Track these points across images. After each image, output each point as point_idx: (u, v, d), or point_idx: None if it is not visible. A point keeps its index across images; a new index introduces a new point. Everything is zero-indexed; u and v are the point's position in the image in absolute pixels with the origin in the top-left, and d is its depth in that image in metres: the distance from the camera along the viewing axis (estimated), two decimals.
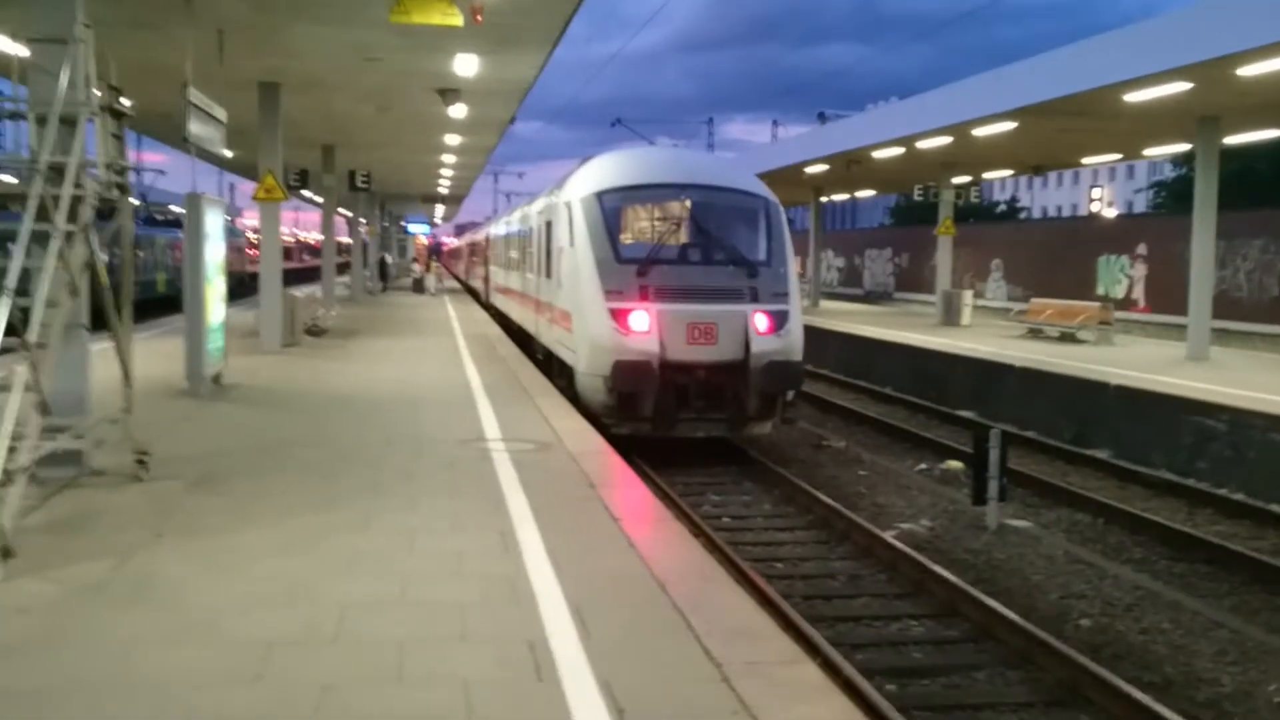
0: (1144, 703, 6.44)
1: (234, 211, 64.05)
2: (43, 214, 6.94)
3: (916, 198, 33.21)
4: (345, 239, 53.17)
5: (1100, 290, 30.01)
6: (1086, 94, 17.30)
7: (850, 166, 29.36)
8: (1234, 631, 8.20)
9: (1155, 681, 7.19)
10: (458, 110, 19.25)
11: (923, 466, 14.46)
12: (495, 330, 23.63)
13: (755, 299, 13.58)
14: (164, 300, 30.28)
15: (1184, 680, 7.28)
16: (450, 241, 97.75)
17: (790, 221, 15.39)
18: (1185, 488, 12.99)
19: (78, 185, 7.38)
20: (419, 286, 42.70)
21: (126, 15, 12.95)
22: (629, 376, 12.94)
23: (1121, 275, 29.90)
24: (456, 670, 4.60)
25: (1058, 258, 32.81)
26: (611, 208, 14.09)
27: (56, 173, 7.22)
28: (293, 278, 39.24)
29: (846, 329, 26.67)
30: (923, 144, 24.24)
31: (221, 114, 13.70)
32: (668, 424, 13.18)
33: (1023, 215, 71.70)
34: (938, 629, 8.17)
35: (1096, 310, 23.77)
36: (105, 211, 8.40)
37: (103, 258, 8.15)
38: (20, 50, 8.49)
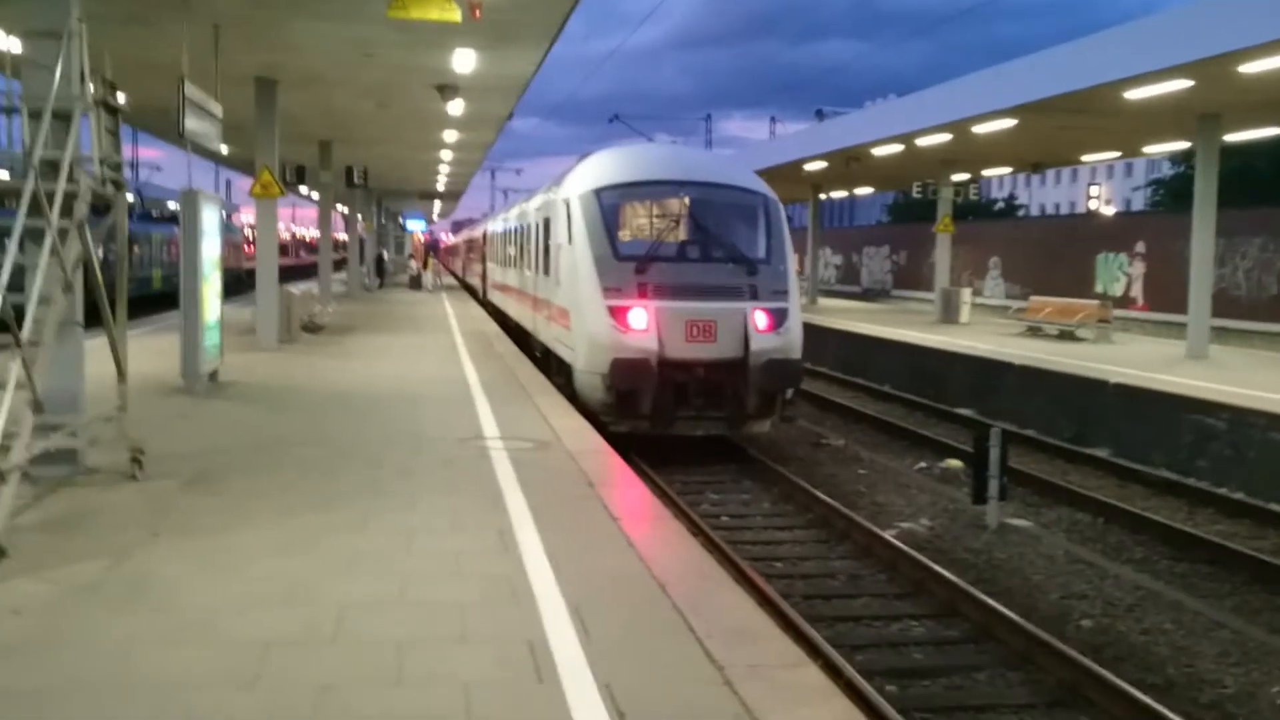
0: (1147, 704, 6.40)
1: (230, 207, 63.92)
2: (36, 210, 6.87)
3: (915, 195, 33.15)
4: (342, 235, 53.18)
5: (1099, 288, 29.98)
6: (1087, 91, 17.25)
7: (849, 163, 29.29)
8: (1236, 632, 8.16)
9: (1157, 683, 7.15)
10: (455, 106, 19.20)
11: (922, 465, 14.42)
12: (493, 327, 23.58)
13: (754, 297, 13.52)
14: (160, 297, 30.21)
15: (1186, 682, 7.24)
16: (447, 238, 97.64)
17: (788, 219, 15.32)
18: (1185, 487, 12.96)
19: (72, 181, 7.32)
20: (416, 283, 42.64)
21: (122, 10, 12.88)
22: (627, 374, 12.88)
23: (1120, 273, 29.88)
24: (456, 671, 4.55)
25: (1056, 255, 32.78)
26: (610, 205, 14.03)
27: (51, 168, 7.16)
28: (289, 274, 39.29)
29: (845, 326, 26.64)
30: (922, 141, 24.19)
31: (217, 109, 13.65)
32: (666, 422, 13.13)
33: (1021, 213, 71.67)
34: (938, 629, 8.13)
35: (1096, 308, 23.74)
36: (100, 207, 8.33)
37: (98, 254, 8.09)
38: (14, 45, 8.41)
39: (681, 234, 14.12)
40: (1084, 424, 15.92)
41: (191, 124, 12.41)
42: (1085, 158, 31.64)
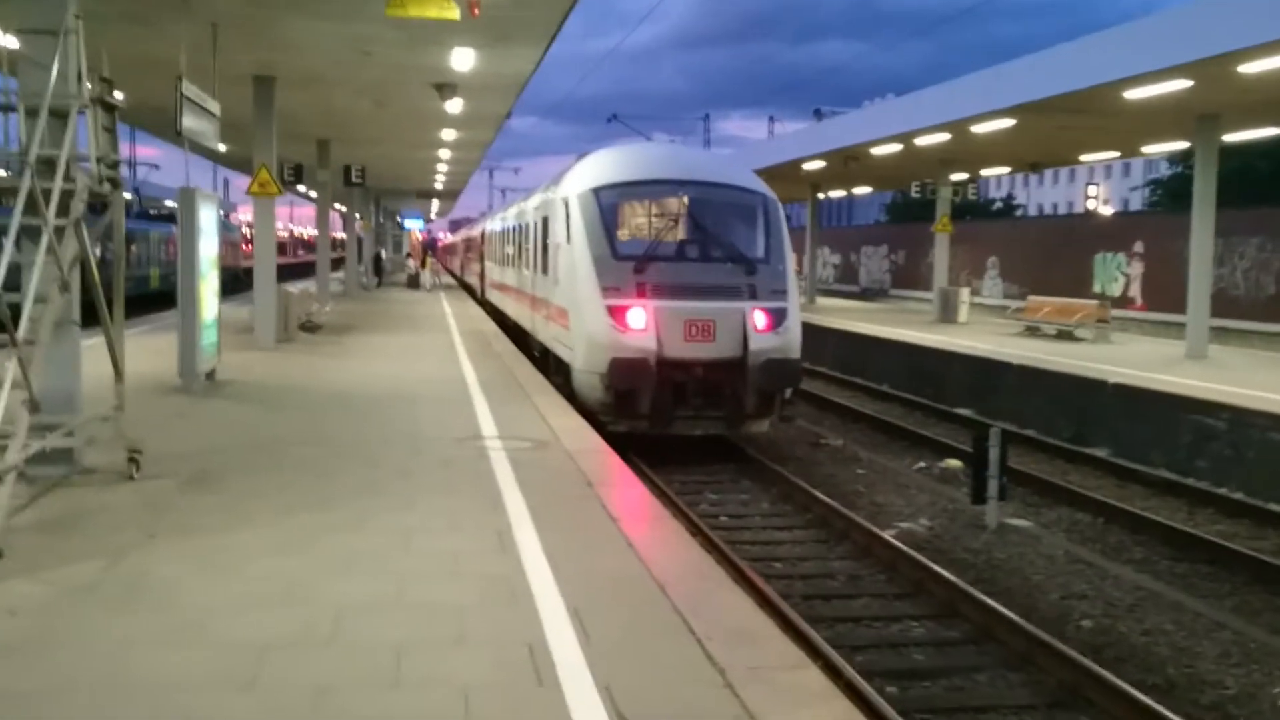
0: (1148, 705, 6.38)
1: (228, 206, 63.86)
2: (33, 208, 6.83)
3: (914, 195, 33.10)
4: (340, 234, 53.13)
5: (1097, 288, 29.97)
6: (1086, 91, 17.23)
7: (848, 163, 29.27)
8: (1237, 633, 8.14)
9: (1158, 684, 7.13)
10: (454, 105, 19.15)
11: (921, 465, 14.40)
12: (491, 326, 23.55)
13: (753, 296, 13.49)
14: (158, 295, 30.17)
15: (1187, 683, 7.22)
16: (445, 237, 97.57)
17: (787, 218, 15.29)
18: (1185, 487, 12.94)
19: (69, 179, 7.29)
20: (414, 282, 42.58)
21: (120, 8, 12.83)
22: (626, 374, 12.86)
23: (1118, 273, 29.87)
24: (455, 674, 4.52)
25: (1054, 255, 32.76)
26: (609, 204, 14.00)
27: (47, 166, 7.13)
28: (287, 273, 39.25)
29: (843, 326, 26.61)
30: (921, 141, 24.17)
31: (215, 108, 13.60)
32: (665, 422, 13.10)
33: (1018, 213, 71.66)
34: (938, 630, 8.10)
35: (1094, 308, 23.73)
36: (97, 206, 8.29)
37: (95, 253, 8.05)
38: (10, 42, 8.37)
39: (680, 233, 14.09)
40: (1083, 424, 15.91)
41: (189, 122, 12.37)
42: (1084, 158, 31.65)
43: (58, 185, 7.07)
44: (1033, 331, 24.58)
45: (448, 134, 25.56)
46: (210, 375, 13.14)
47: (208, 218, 12.89)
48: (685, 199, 14.08)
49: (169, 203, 41.22)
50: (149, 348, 15.20)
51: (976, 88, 21.05)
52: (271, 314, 17.89)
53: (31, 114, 7.23)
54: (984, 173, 34.77)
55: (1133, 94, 16.80)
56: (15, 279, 6.71)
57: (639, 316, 13.07)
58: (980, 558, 10.03)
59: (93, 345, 8.54)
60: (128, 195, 13.13)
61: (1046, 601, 8.84)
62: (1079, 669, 6.96)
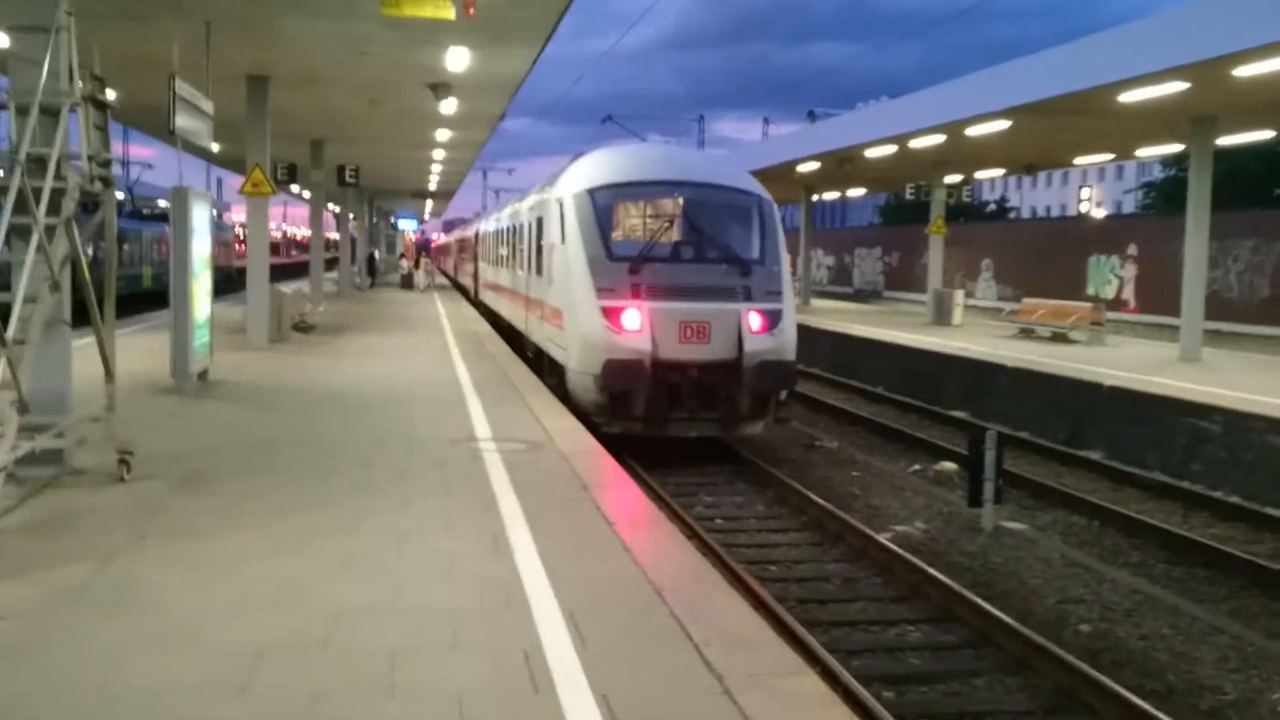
0: (1148, 711, 6.34)
1: (222, 206, 63.67)
2: (23, 207, 6.76)
3: (909, 196, 33.13)
4: (334, 235, 53.01)
5: (1090, 290, 30.01)
6: (1082, 93, 17.22)
7: (843, 164, 29.26)
8: (1234, 637, 8.10)
9: (1157, 689, 7.09)
10: (449, 105, 19.08)
11: (916, 467, 14.36)
12: (485, 327, 23.49)
13: (748, 298, 13.44)
14: (150, 295, 30.06)
15: (1186, 688, 7.18)
16: (439, 237, 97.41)
17: (781, 220, 15.24)
18: (1180, 490, 12.92)
19: (59, 177, 7.21)
20: (407, 282, 42.49)
21: (113, 5, 12.76)
22: (620, 375, 12.80)
23: (1112, 276, 29.91)
24: (449, 680, 4.46)
25: (1048, 258, 32.82)
26: (604, 205, 13.94)
27: (38, 164, 7.06)
28: (280, 273, 39.13)
29: (837, 328, 26.58)
30: (916, 143, 24.15)
31: (209, 107, 13.52)
32: (659, 423, 13.05)
33: (1012, 215, 71.76)
34: (935, 634, 8.05)
35: (1089, 311, 23.74)
36: (89, 205, 8.22)
37: (87, 252, 7.98)
38: (1, 39, 8.30)
39: (675, 234, 14.04)
40: (1077, 427, 15.88)
41: (182, 121, 12.29)
42: (1078, 160, 31.68)
43: (48, 183, 7.00)
44: (1027, 334, 24.58)
45: (442, 134, 25.49)
46: (203, 375, 13.06)
47: (201, 217, 12.81)
48: (680, 200, 14.03)
49: (162, 202, 41.10)
50: (141, 347, 15.12)
51: (972, 89, 21.04)
52: (264, 314, 17.81)
53: (22, 112, 7.17)
54: (978, 175, 34.81)
55: (1129, 96, 16.79)
56: (5, 278, 6.65)
57: (634, 318, 13.02)
58: (977, 561, 9.99)
59: (83, 345, 8.47)
60: (120, 194, 13.05)
61: (1043, 605, 8.80)
62: (1077, 674, 6.92)
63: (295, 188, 33.75)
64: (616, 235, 14.09)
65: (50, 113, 7.28)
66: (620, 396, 12.89)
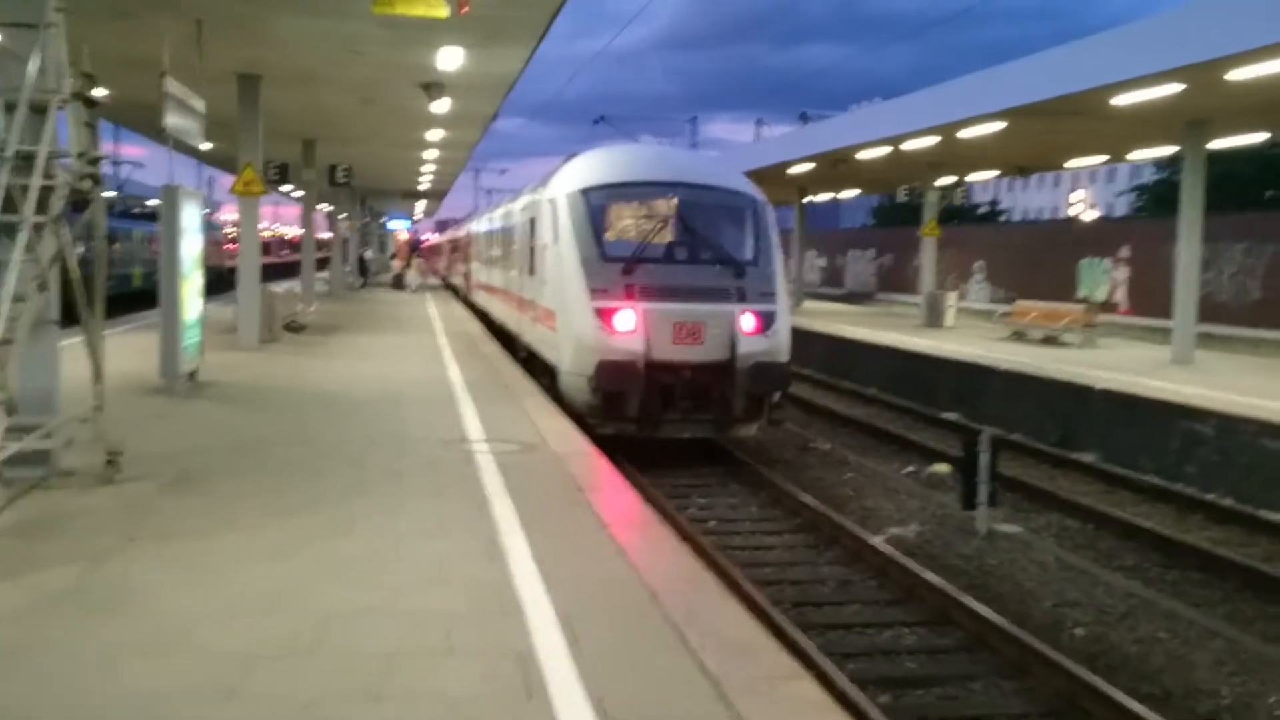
0: (1146, 717, 6.30)
1: (213, 205, 63.47)
2: (11, 205, 6.68)
3: (902, 198, 33.12)
4: (325, 234, 52.86)
5: (1082, 293, 30.02)
6: (1077, 95, 17.20)
7: (836, 166, 29.23)
8: (1230, 641, 8.08)
9: (1154, 693, 7.06)
10: (441, 104, 19.00)
11: (909, 469, 14.33)
12: (477, 328, 23.40)
13: (742, 299, 13.39)
14: (140, 294, 29.93)
15: (1183, 692, 7.15)
16: (431, 237, 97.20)
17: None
18: (1174, 493, 12.90)
19: (48, 175, 7.14)
20: (399, 283, 42.39)
21: (104, 3, 12.67)
22: (614, 376, 12.74)
23: (1104, 278, 29.92)
24: (442, 686, 4.40)
25: (1039, 260, 32.83)
26: (597, 205, 13.88)
27: (25, 162, 6.98)
28: (272, 273, 38.98)
29: (830, 330, 26.55)
30: (910, 144, 24.13)
31: (200, 105, 13.43)
32: (653, 425, 12.99)
33: (1003, 218, 71.85)
34: (930, 637, 8.01)
35: (1081, 313, 23.74)
36: (79, 203, 8.14)
37: (77, 250, 7.90)
38: None
39: (669, 235, 13.97)
40: (1070, 429, 15.87)
41: (173, 120, 12.19)
42: (1072, 162, 31.68)
43: (36, 181, 6.93)
44: (1019, 336, 24.58)
45: (434, 134, 25.41)
46: (193, 376, 12.97)
47: (191, 216, 12.72)
48: (674, 201, 13.97)
49: (153, 201, 40.94)
50: (131, 347, 15.00)
51: (966, 91, 21.02)
52: (255, 314, 17.71)
53: (10, 109, 7.09)
54: (971, 177, 34.79)
55: (1123, 98, 16.78)
56: None
57: (627, 319, 12.96)
58: (972, 564, 9.96)
59: (72, 345, 8.38)
60: (112, 193, 12.96)
61: (1039, 609, 8.77)
62: (1074, 678, 6.88)
63: (287, 187, 33.56)
64: (610, 236, 14.01)
65: (38, 110, 7.20)
66: (613, 398, 12.83)
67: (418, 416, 11.21)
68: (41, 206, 7.05)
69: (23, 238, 6.73)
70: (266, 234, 66.42)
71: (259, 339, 17.65)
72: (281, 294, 20.81)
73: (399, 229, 66.71)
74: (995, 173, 34.43)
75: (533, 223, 16.11)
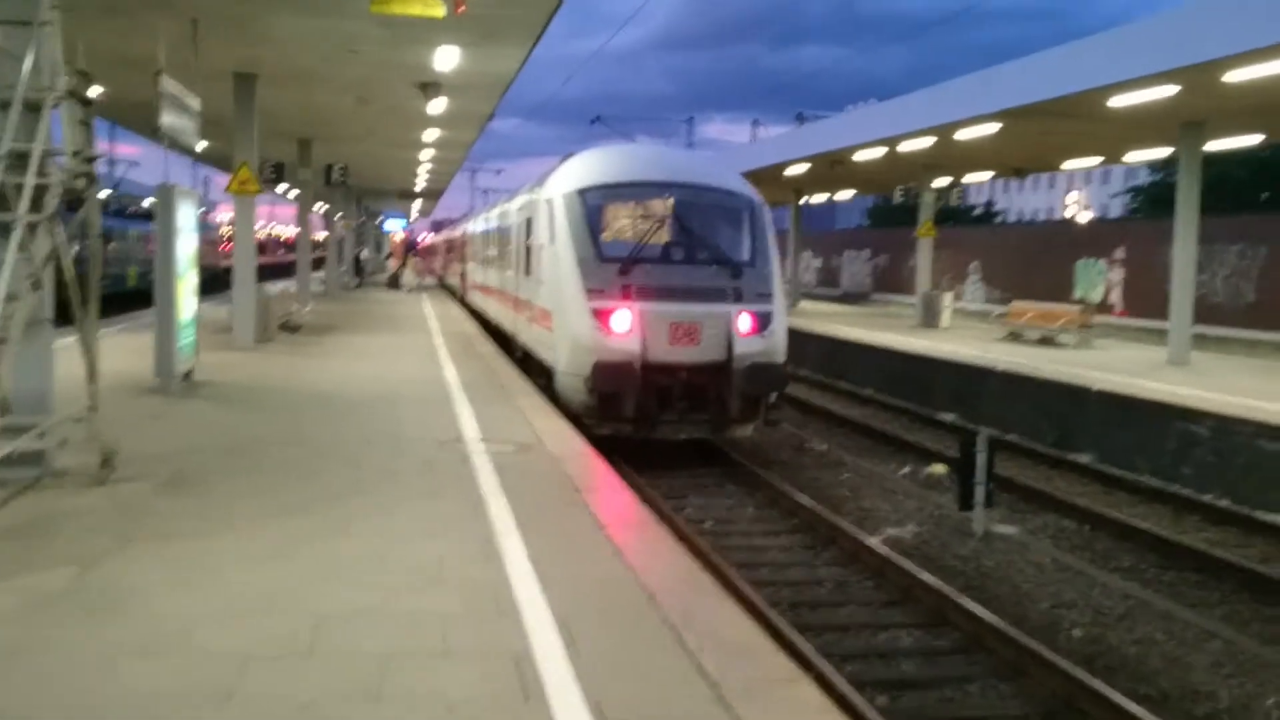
0: (1141, 717, 6.29)
1: (208, 204, 63.34)
2: (5, 203, 6.65)
3: (898, 199, 33.13)
4: (321, 234, 52.81)
5: (1078, 294, 30.07)
6: (1073, 96, 17.21)
7: (833, 167, 29.24)
8: (1227, 642, 8.08)
9: (1152, 695, 7.06)
10: (437, 104, 18.97)
11: (906, 470, 14.32)
12: (472, 327, 23.38)
13: (739, 299, 13.38)
14: (136, 294, 29.86)
15: (1180, 693, 7.15)
16: (427, 237, 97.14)
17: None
18: (1170, 494, 12.90)
19: (42, 174, 7.10)
20: (394, 282, 42.34)
21: (100, 1, 12.62)
22: (610, 377, 12.72)
23: (1099, 279, 29.97)
24: (439, 688, 4.38)
25: (1035, 261, 32.89)
26: (594, 205, 13.85)
27: (20, 160, 6.94)
28: (267, 273, 38.93)
29: (826, 330, 26.55)
30: (906, 145, 24.13)
31: (195, 104, 13.38)
32: (649, 425, 12.96)
33: (998, 219, 71.93)
34: (928, 639, 7.99)
35: (1077, 314, 23.76)
36: (73, 202, 8.10)
37: (72, 249, 7.86)
38: None
39: (666, 236, 13.94)
40: (1067, 430, 15.87)
41: (168, 119, 12.15)
42: (1068, 163, 31.72)
43: (30, 180, 6.89)
44: (1015, 337, 24.58)
45: (431, 133, 25.36)
46: (188, 375, 12.93)
47: (186, 215, 12.68)
48: (671, 201, 13.95)
49: (148, 200, 40.85)
50: (126, 347, 14.97)
51: (963, 92, 21.03)
52: (250, 314, 17.66)
53: (4, 107, 7.05)
54: (967, 178, 34.81)
55: (1119, 100, 16.79)
56: None
57: (623, 319, 12.94)
58: (969, 565, 9.95)
59: (66, 344, 8.34)
60: (107, 192, 12.93)
61: (1036, 610, 8.76)
62: (1072, 680, 6.87)
63: (283, 187, 33.52)
64: (606, 236, 13.98)
65: (33, 108, 7.17)
66: (610, 398, 12.81)
67: (414, 417, 11.18)
68: (36, 205, 7.01)
69: (17, 236, 6.69)
70: (262, 234, 66.31)
71: (254, 339, 17.60)
72: (277, 294, 20.77)
73: (395, 229, 66.62)
74: (991, 174, 34.46)
75: (529, 223, 16.09)
